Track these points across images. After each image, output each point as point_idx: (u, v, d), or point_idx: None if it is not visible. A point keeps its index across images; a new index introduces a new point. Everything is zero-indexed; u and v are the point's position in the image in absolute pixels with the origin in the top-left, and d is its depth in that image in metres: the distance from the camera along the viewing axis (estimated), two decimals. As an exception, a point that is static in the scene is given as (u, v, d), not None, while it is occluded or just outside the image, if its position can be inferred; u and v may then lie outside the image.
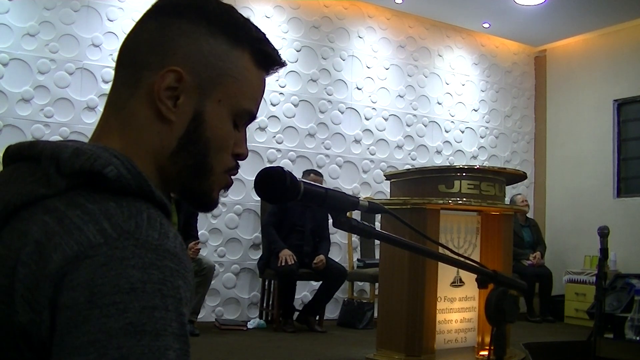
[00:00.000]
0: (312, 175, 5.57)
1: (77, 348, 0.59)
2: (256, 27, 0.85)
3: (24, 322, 0.62)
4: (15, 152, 0.76)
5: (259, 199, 5.32)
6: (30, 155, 0.73)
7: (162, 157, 0.79)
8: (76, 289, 0.61)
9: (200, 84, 0.79)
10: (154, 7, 0.83)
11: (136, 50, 0.80)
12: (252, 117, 0.86)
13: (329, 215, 1.04)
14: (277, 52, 0.87)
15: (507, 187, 4.37)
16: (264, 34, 0.86)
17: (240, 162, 0.88)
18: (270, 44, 0.86)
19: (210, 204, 0.86)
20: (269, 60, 0.86)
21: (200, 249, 4.96)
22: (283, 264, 5.18)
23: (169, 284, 0.63)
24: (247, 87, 0.83)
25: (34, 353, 0.63)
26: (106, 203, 0.67)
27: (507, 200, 6.37)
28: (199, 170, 0.81)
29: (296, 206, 5.41)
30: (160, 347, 0.60)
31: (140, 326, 0.60)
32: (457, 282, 4.00)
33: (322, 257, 5.35)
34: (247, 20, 0.84)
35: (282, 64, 0.88)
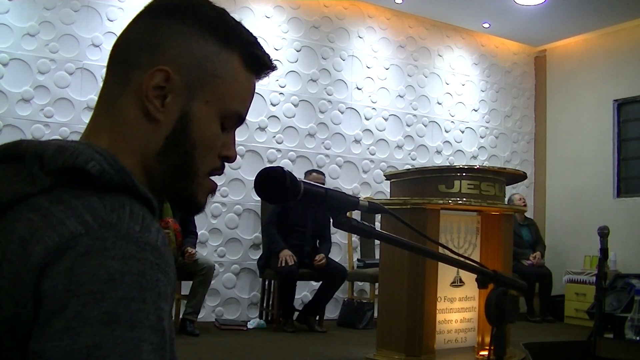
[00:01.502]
0: (313, 174, 5.57)
1: (52, 334, 0.60)
2: (247, 30, 0.85)
3: (8, 316, 0.63)
4: (1, 153, 0.76)
5: (259, 199, 5.32)
6: (14, 155, 0.74)
7: (149, 156, 0.80)
8: (56, 277, 0.62)
9: (189, 84, 0.80)
10: (147, 7, 0.83)
11: (127, 50, 0.81)
12: (241, 119, 0.86)
13: (329, 214, 1.04)
14: (268, 56, 0.87)
15: (507, 187, 4.37)
16: (255, 37, 0.86)
17: (234, 163, 0.88)
18: (261, 47, 0.86)
19: (196, 207, 0.86)
20: (259, 63, 0.86)
21: (195, 252, 4.89)
22: (283, 264, 5.18)
23: (148, 276, 0.64)
24: (236, 89, 0.84)
25: (19, 350, 0.63)
26: (89, 198, 0.67)
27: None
28: (185, 171, 0.82)
29: (297, 206, 5.41)
30: (134, 338, 0.61)
31: (115, 316, 0.60)
32: (457, 282, 4.00)
33: (322, 255, 5.35)
34: (239, 23, 0.85)
35: (272, 68, 0.88)
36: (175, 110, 0.80)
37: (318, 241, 5.57)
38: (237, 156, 0.86)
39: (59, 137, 4.87)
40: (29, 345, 0.61)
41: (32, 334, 0.61)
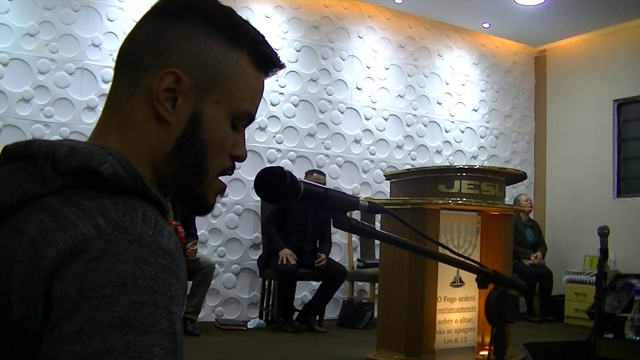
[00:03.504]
0: (314, 174, 5.57)
1: (64, 338, 0.59)
2: (255, 29, 0.85)
3: (19, 317, 0.63)
4: (12, 152, 0.76)
5: (259, 199, 5.32)
6: (26, 154, 0.74)
7: (159, 158, 0.80)
8: (68, 280, 0.61)
9: (199, 86, 0.80)
10: (153, 8, 0.83)
11: (135, 52, 0.81)
12: (251, 118, 0.86)
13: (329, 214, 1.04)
14: (276, 54, 0.87)
15: (507, 187, 4.37)
16: (263, 36, 0.86)
17: (238, 163, 0.88)
18: (269, 45, 0.86)
19: (206, 208, 0.86)
20: (268, 62, 0.86)
21: (197, 249, 4.93)
22: (284, 262, 5.18)
23: (161, 280, 0.64)
24: (246, 88, 0.83)
25: (29, 351, 0.63)
26: (101, 200, 0.67)
27: (509, 200, 6.40)
28: (196, 172, 0.82)
29: (298, 206, 5.41)
30: (147, 342, 0.60)
31: (128, 320, 0.60)
32: (457, 282, 4.00)
33: (324, 255, 5.35)
34: (246, 22, 0.85)
35: (280, 66, 0.88)
36: (186, 112, 0.79)
37: (318, 241, 5.57)
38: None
39: (59, 137, 4.87)
40: (41, 348, 0.61)
41: (43, 337, 0.61)
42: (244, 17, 0.85)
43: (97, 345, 0.59)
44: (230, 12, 0.84)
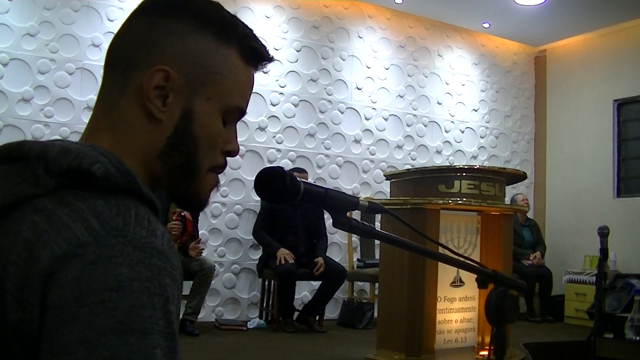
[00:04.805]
0: (294, 173, 5.53)
1: (66, 346, 0.59)
2: (243, 23, 0.85)
3: (14, 320, 0.63)
4: (4, 153, 0.76)
5: (259, 198, 5.31)
6: (18, 155, 0.73)
7: (151, 156, 0.80)
8: (65, 287, 0.61)
9: (189, 82, 0.80)
10: (141, 6, 0.83)
11: (124, 50, 0.81)
12: (242, 113, 0.86)
13: (329, 214, 1.04)
14: (265, 48, 0.87)
15: (507, 187, 4.37)
16: (252, 30, 0.86)
17: (232, 158, 0.88)
18: (258, 39, 0.86)
19: (199, 204, 0.86)
20: (257, 55, 0.86)
21: (203, 248, 4.98)
22: (283, 262, 5.17)
23: (157, 281, 0.64)
24: (236, 83, 0.84)
25: (25, 352, 0.63)
26: (94, 201, 0.67)
27: (507, 200, 6.39)
28: (188, 170, 0.81)
29: (287, 207, 5.40)
30: (149, 345, 0.61)
31: (129, 325, 0.61)
32: (457, 282, 4.00)
33: (320, 260, 5.33)
34: (235, 17, 0.85)
35: (270, 59, 0.88)
36: (177, 109, 0.79)
37: (315, 240, 5.55)
38: (237, 156, 0.87)
39: (59, 137, 4.87)
40: (42, 357, 0.61)
41: (42, 345, 0.61)
42: (244, 18, 0.85)
43: (101, 352, 0.59)
44: (218, 8, 0.83)
